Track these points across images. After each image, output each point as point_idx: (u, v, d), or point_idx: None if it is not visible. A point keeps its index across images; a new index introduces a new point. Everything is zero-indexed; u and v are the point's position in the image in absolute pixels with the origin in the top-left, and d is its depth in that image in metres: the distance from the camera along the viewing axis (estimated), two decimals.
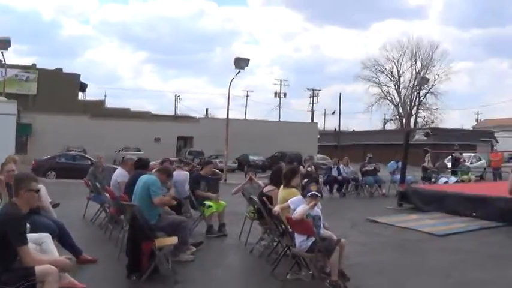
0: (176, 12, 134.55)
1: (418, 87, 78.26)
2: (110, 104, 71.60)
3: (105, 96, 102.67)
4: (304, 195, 7.66)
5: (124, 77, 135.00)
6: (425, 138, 35.67)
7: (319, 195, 7.66)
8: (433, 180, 23.17)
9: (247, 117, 78.67)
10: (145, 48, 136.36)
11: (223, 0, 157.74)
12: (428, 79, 62.78)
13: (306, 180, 8.62)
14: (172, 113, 78.28)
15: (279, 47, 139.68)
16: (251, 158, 48.04)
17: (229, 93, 32.22)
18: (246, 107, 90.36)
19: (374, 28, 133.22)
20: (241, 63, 29.77)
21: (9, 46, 31.52)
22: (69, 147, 41.58)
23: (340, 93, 73.33)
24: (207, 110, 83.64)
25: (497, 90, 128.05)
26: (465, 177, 24.55)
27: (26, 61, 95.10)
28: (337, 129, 73.00)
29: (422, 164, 25.85)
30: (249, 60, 30.06)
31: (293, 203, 7.70)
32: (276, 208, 8.23)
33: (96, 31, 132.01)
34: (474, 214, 13.85)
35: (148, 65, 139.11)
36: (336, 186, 21.67)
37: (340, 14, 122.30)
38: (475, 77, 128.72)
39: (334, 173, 21.67)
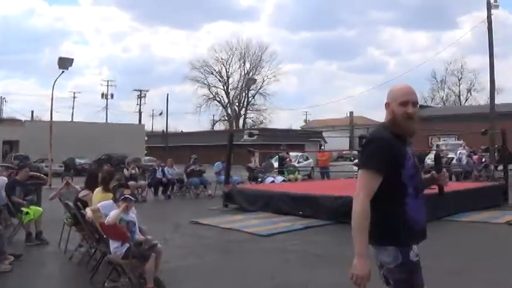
0: (5, 10, 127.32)
1: (245, 88, 79.60)
2: None
3: None
4: (116, 199, 7.24)
5: None
6: (251, 138, 36.15)
7: (133, 198, 7.26)
8: (259, 180, 23.34)
9: (74, 119, 76.21)
10: None
11: None
12: (255, 80, 64.13)
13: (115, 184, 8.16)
14: (27, 117, 73.94)
15: (108, 47, 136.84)
16: (77, 161, 46.55)
17: (52, 95, 30.72)
18: (73, 108, 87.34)
19: (205, 29, 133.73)
20: (64, 63, 28.47)
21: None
22: None
23: (168, 94, 74.07)
24: (32, 112, 79.78)
25: (326, 91, 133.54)
26: (292, 176, 25.02)
27: None
28: (165, 130, 72.52)
29: (247, 164, 25.97)
30: (72, 60, 28.81)
31: (103, 207, 7.30)
32: (88, 213, 7.76)
33: None
34: (300, 213, 13.88)
35: None
36: (161, 188, 21.28)
37: (171, 14, 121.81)
38: (304, 78, 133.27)
39: (159, 174, 21.26)
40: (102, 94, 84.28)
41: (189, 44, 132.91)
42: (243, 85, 79.82)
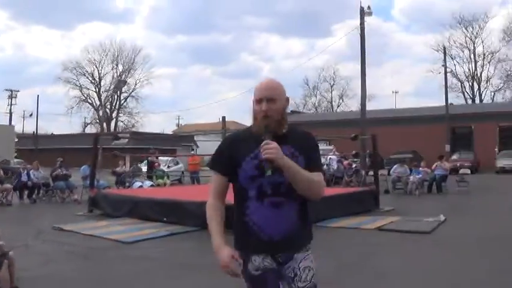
0: None
1: (116, 90, 78.51)
2: None
3: None
4: None
5: None
6: (118, 142, 35.73)
7: None
8: (127, 184, 23.13)
9: None
10: None
11: None
12: (125, 82, 63.24)
13: None
14: None
15: None
16: None
17: None
18: None
19: (79, 30, 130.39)
20: None
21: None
22: None
23: (38, 95, 71.12)
24: None
25: (200, 96, 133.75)
26: (160, 181, 24.99)
27: None
28: (35, 132, 70.22)
29: (113, 169, 25.62)
30: None
31: None
32: None
33: None
34: (165, 219, 13.79)
35: None
36: (26, 192, 20.64)
37: (46, 13, 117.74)
38: (178, 82, 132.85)
39: (24, 178, 20.61)
40: None
41: (63, 44, 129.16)
42: (113, 87, 78.63)
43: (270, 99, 3.12)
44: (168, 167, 34.66)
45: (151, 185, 23.13)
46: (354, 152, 26.44)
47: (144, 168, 27.26)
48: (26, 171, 20.92)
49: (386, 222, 14.13)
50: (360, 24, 35.42)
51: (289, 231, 3.14)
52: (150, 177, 25.36)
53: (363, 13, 35.48)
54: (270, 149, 2.94)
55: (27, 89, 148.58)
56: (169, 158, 38.31)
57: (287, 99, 3.25)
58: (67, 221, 14.48)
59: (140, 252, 10.54)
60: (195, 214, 12.79)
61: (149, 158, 28.15)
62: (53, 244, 11.43)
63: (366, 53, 35.48)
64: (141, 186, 21.87)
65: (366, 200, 17.28)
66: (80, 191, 21.39)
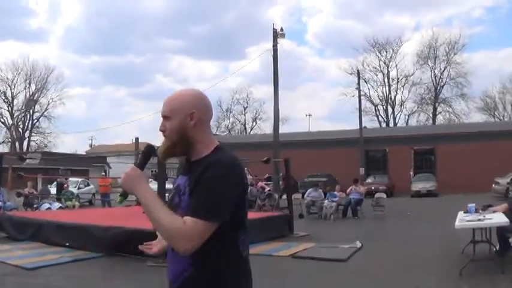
0: None
1: (29, 109, 76.67)
2: None
3: None
4: None
5: None
6: (29, 161, 34.68)
7: None
8: (35, 206, 22.30)
9: None
10: None
11: None
12: (36, 101, 61.61)
13: None
14: None
15: None
16: None
17: None
18: None
19: None
20: None
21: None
22: None
23: None
24: None
25: (113, 116, 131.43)
26: (69, 203, 24.24)
27: None
28: None
29: (17, 190, 24.65)
30: None
31: None
32: None
33: None
34: (67, 244, 13.03)
35: None
36: None
37: None
38: (92, 103, 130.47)
39: None
40: None
41: None
42: (24, 106, 76.73)
43: (164, 116, 2.64)
44: (79, 188, 33.71)
45: (60, 207, 22.37)
46: (266, 175, 26.15)
47: (54, 190, 26.37)
48: None
49: (301, 249, 13.64)
50: (273, 46, 35.61)
51: (179, 279, 2.59)
52: (59, 199, 24.53)
53: (276, 34, 35.71)
54: (124, 174, 2.52)
55: None
56: (80, 179, 37.20)
57: (191, 115, 2.58)
58: None
59: (40, 280, 9.95)
60: (100, 239, 12.40)
61: (58, 179, 27.28)
62: None
63: (280, 76, 35.70)
64: (49, 208, 21.09)
65: (280, 225, 16.71)
66: None
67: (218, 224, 2.43)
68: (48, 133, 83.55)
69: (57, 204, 22.65)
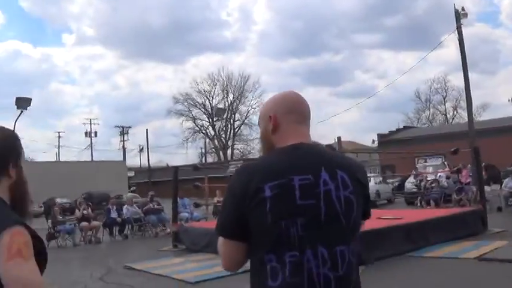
0: None
1: (220, 119, 79.20)
2: None
3: None
4: None
5: None
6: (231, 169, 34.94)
7: None
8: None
9: (67, 159, 74.94)
10: None
11: (38, 40, 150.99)
12: (224, 110, 63.10)
13: None
14: None
15: (97, 85, 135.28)
16: (58, 200, 45.47)
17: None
18: (58, 148, 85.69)
19: (191, 62, 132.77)
20: (22, 103, 27.64)
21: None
22: None
23: (147, 129, 73.69)
24: None
25: (317, 117, 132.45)
26: None
27: None
28: (148, 165, 72.10)
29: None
30: (30, 99, 28.00)
31: None
32: None
33: None
34: None
35: None
36: (117, 228, 20.26)
37: (157, 49, 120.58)
38: None
39: (114, 214, 20.23)
40: (86, 133, 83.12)
41: (177, 77, 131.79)
42: (215, 115, 79.27)
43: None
44: None
45: None
46: (460, 164, 24.21)
47: None
48: (115, 208, 20.49)
49: (490, 249, 12.03)
50: (457, 27, 33.31)
51: None
52: None
53: (458, 15, 33.40)
54: None
55: (145, 124, 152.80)
56: None
57: (269, 119, 2.43)
58: (150, 257, 13.93)
59: None
60: None
61: None
62: (112, 286, 10.68)
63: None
64: None
65: (471, 221, 14.96)
66: None
67: (228, 239, 2.29)
68: (250, 140, 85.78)
69: None
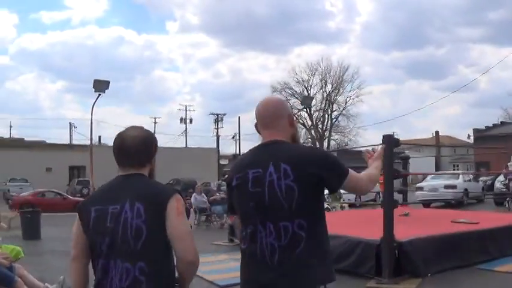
0: (96, 40, 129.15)
1: (304, 107, 78.06)
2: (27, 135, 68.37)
3: (11, 126, 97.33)
4: None
5: (44, 107, 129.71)
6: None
7: None
8: None
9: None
10: (64, 78, 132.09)
11: (142, 27, 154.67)
12: (312, 98, 62.00)
13: None
14: (95, 142, 73.97)
15: (199, 73, 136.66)
16: None
17: (91, 119, 29.68)
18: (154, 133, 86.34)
19: (295, 52, 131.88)
20: (101, 86, 27.16)
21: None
22: None
23: (239, 117, 73.30)
24: (99, 137, 78.54)
25: (417, 111, 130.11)
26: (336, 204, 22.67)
27: None
28: (236, 153, 72.97)
29: None
30: (109, 82, 27.50)
31: None
32: None
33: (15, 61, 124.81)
34: None
35: (68, 95, 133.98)
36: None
37: (260, 39, 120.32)
38: (395, 98, 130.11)
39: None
40: (181, 119, 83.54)
41: (279, 67, 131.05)
42: (301, 104, 78.03)
43: None
44: None
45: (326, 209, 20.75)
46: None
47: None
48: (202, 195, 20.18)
49: None
50: None
51: None
52: None
53: None
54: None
55: (247, 113, 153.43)
56: None
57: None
58: (199, 251, 12.56)
59: None
60: None
61: None
62: None
63: None
64: None
65: None
66: None
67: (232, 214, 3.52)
68: (347, 131, 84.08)
69: None
